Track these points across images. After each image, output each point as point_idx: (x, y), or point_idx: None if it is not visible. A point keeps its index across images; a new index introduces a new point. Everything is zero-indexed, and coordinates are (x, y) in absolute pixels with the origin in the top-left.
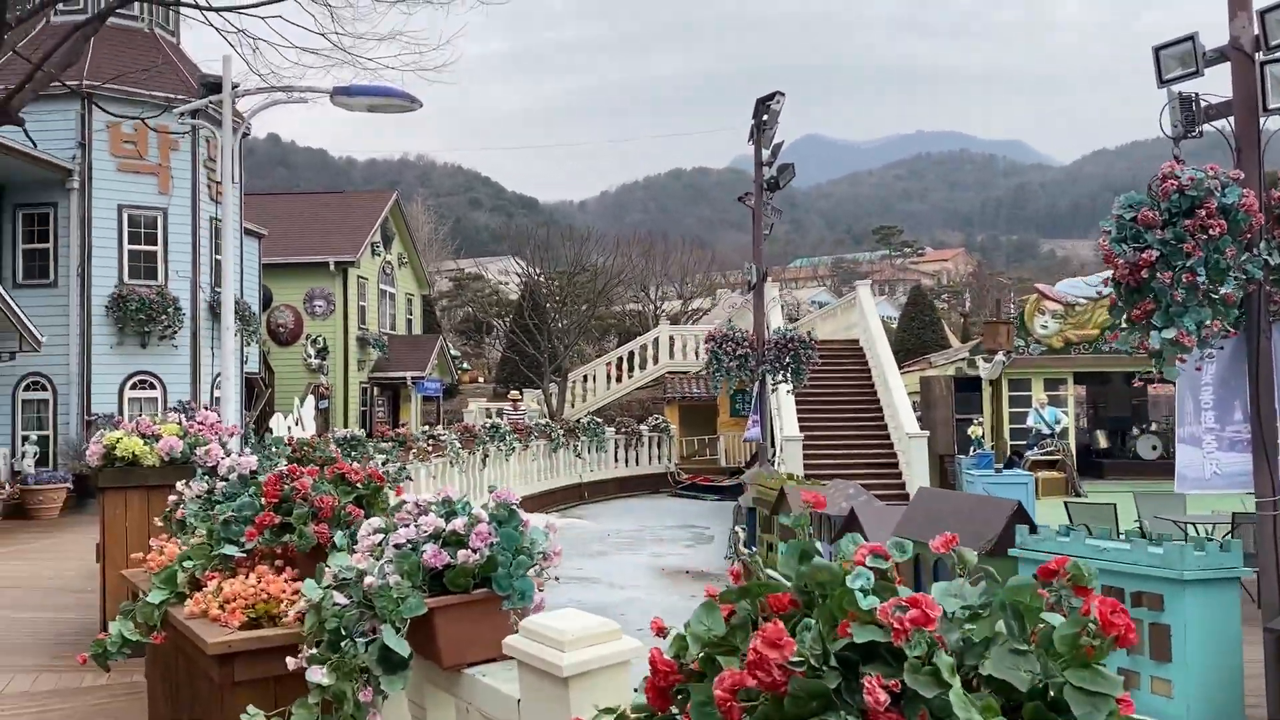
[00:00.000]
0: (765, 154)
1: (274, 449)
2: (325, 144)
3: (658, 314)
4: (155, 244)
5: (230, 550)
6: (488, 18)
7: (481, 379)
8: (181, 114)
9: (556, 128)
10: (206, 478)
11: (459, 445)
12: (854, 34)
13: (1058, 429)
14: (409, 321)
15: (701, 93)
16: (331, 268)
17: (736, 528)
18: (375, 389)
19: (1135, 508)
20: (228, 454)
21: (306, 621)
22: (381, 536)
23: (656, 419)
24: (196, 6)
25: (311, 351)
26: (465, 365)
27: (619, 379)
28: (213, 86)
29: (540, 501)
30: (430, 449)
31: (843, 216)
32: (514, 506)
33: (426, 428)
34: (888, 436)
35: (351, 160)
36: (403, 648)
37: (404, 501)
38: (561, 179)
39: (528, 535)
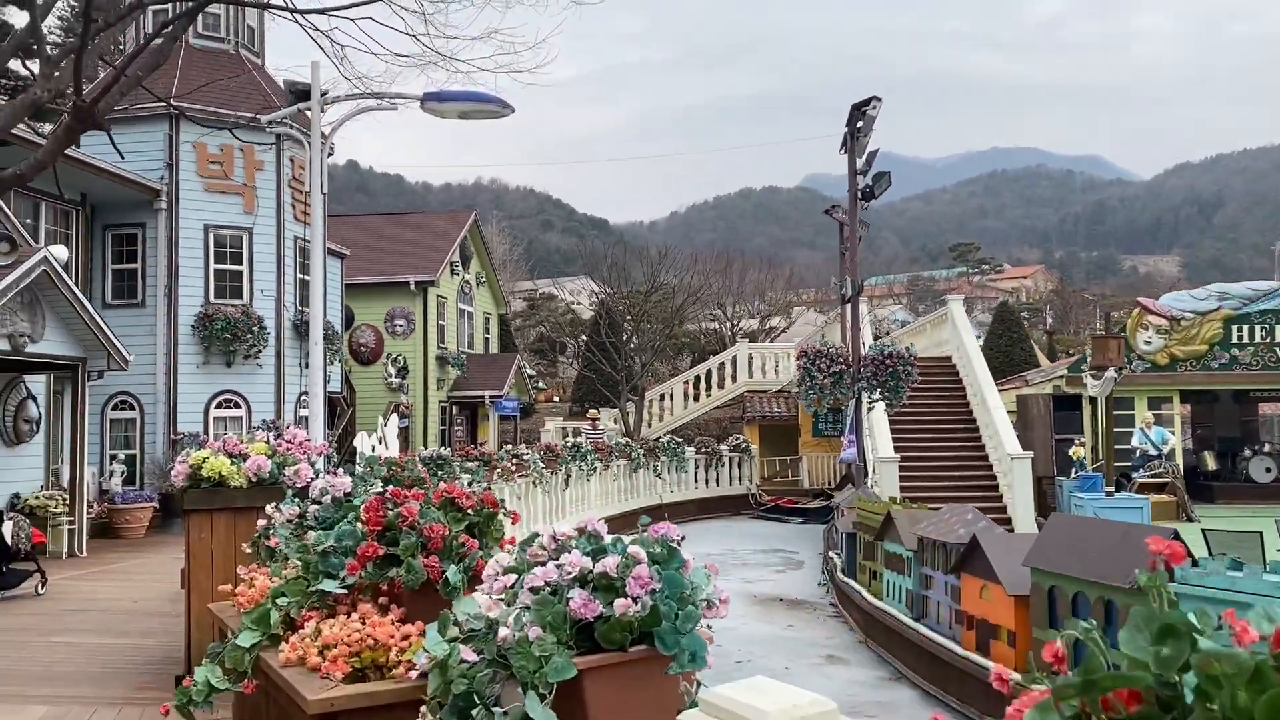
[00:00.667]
0: (859, 162)
1: (370, 468)
2: (402, 169)
3: (735, 332)
4: (240, 263)
5: (329, 586)
6: (580, 16)
7: (557, 398)
8: (270, 121)
9: (625, 150)
10: (297, 500)
11: (542, 465)
12: (927, 50)
13: (1165, 450)
14: (486, 340)
15: (772, 111)
16: (412, 287)
17: (830, 553)
18: (454, 408)
19: (1278, 535)
20: (317, 474)
21: (430, 682)
22: (514, 578)
23: (737, 439)
24: (285, 9)
25: (392, 370)
26: (540, 384)
27: (696, 398)
28: (301, 94)
29: (621, 523)
30: (514, 469)
31: (917, 234)
32: (674, 544)
33: (509, 446)
34: (986, 458)
35: (427, 185)
36: (549, 719)
37: (537, 534)
38: (631, 200)
39: (688, 579)
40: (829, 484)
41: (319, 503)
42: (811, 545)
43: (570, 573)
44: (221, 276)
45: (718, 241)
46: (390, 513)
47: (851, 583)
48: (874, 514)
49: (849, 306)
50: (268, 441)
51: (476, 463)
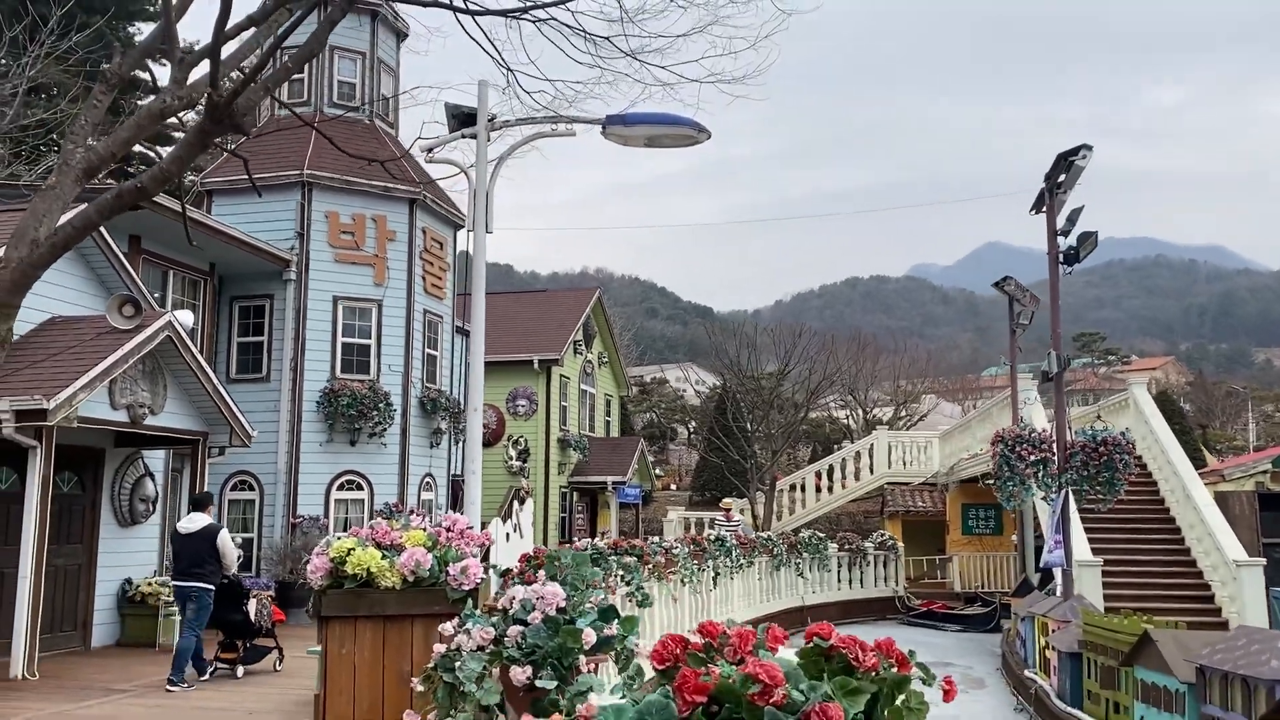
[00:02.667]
0: (1060, 221)
1: (576, 568)
2: (511, 259)
3: (867, 419)
4: (369, 337)
5: None
6: (786, 25)
7: (674, 485)
8: (429, 149)
9: (730, 239)
10: (491, 619)
11: (692, 560)
12: (1039, 140)
13: None
14: (607, 424)
15: (879, 202)
16: (535, 366)
17: (1028, 674)
18: (574, 494)
19: None
20: (495, 574)
21: None
22: None
23: (882, 535)
24: (460, 9)
25: (513, 453)
26: (659, 471)
27: (830, 489)
28: (465, 118)
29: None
30: (664, 563)
31: (1032, 325)
32: None
33: (657, 539)
34: (1193, 563)
35: (535, 273)
36: None
37: None
38: (735, 288)
39: None
40: (983, 587)
41: (522, 622)
42: (983, 659)
43: None
44: (349, 350)
45: (825, 330)
46: (730, 675)
47: (1079, 714)
48: (1112, 632)
49: (1049, 384)
50: (425, 529)
51: (633, 558)
